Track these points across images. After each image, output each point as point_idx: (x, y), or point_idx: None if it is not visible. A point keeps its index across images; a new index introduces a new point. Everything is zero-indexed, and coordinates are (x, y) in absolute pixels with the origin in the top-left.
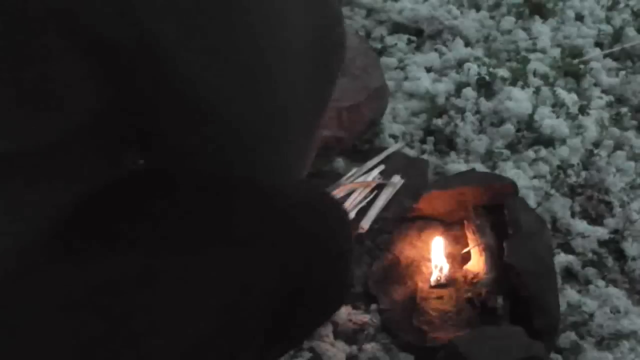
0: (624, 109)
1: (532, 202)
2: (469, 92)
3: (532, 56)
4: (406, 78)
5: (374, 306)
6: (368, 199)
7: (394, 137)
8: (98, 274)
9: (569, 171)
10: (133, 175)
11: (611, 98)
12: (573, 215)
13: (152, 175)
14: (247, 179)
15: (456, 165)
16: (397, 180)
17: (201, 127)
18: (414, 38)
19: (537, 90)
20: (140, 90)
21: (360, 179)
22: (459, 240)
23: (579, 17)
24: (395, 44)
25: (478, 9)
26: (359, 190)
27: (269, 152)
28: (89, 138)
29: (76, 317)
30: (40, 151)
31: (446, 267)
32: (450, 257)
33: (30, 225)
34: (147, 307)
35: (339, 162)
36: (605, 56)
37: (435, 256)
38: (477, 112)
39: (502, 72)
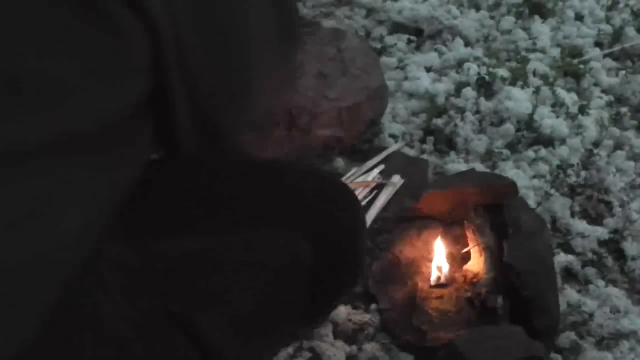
0: (624, 109)
1: (532, 202)
2: (469, 92)
3: (532, 56)
4: (406, 78)
5: (374, 306)
6: (368, 199)
7: (394, 137)
8: (158, 258)
9: (569, 171)
10: (176, 161)
11: (611, 98)
12: (573, 215)
13: (190, 161)
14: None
15: (456, 165)
16: (397, 180)
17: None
18: (414, 38)
19: (537, 90)
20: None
21: (360, 179)
22: (459, 240)
23: (579, 17)
24: (395, 44)
25: (478, 9)
26: (359, 190)
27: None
28: (143, 116)
29: (136, 300)
30: (109, 129)
31: (446, 267)
32: (450, 257)
33: (100, 205)
34: (205, 286)
35: (339, 162)
36: (605, 56)
37: (437, 258)
38: (477, 112)
39: (502, 72)
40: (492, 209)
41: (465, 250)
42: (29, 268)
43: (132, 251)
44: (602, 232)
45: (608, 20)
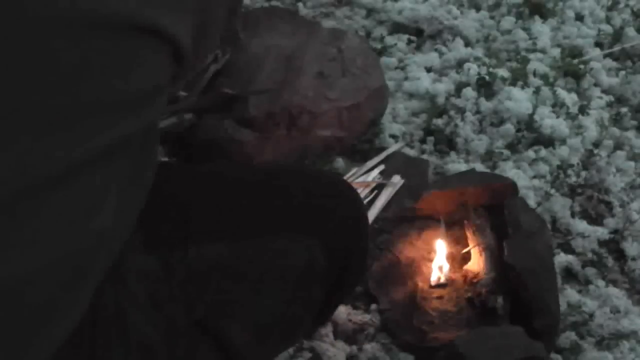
0: (624, 109)
1: (532, 202)
2: (469, 92)
3: (532, 56)
4: (406, 78)
5: (374, 306)
6: (368, 199)
7: (394, 137)
8: (180, 266)
9: (569, 171)
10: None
11: (611, 98)
12: (573, 215)
13: (208, 170)
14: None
15: (456, 165)
16: (397, 180)
17: None
18: (414, 38)
19: (537, 90)
20: None
21: (360, 179)
22: (459, 240)
23: (579, 17)
24: (395, 44)
25: (478, 9)
26: (359, 190)
27: None
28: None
29: (162, 307)
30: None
31: (446, 267)
32: (450, 257)
33: (128, 195)
34: (227, 292)
35: (339, 162)
36: (605, 56)
37: (437, 258)
38: (477, 112)
39: (502, 72)
40: (492, 209)
41: (465, 250)
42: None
43: (154, 260)
44: (602, 232)
45: (608, 20)
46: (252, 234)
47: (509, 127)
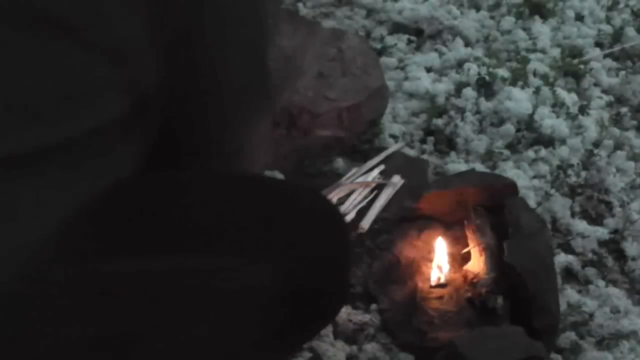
0: (624, 109)
1: (532, 202)
2: (469, 92)
3: (532, 56)
4: (406, 78)
5: (374, 306)
6: (368, 199)
7: (394, 137)
8: (99, 279)
9: (569, 171)
10: (143, 177)
11: (611, 98)
12: (573, 215)
13: (158, 178)
14: (253, 179)
15: (456, 165)
16: (397, 180)
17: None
18: (414, 38)
19: (537, 90)
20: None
21: (360, 179)
22: (459, 240)
23: (579, 17)
24: (395, 44)
25: (478, 9)
26: (359, 190)
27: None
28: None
29: (78, 320)
30: (75, 143)
31: (446, 267)
32: (450, 257)
33: (50, 221)
34: (149, 310)
35: (339, 162)
36: (605, 56)
37: (437, 258)
38: (477, 112)
39: (502, 72)
40: (492, 209)
41: (465, 250)
42: None
43: (61, 269)
44: (602, 232)
45: (608, 20)
46: (192, 251)
47: (509, 127)
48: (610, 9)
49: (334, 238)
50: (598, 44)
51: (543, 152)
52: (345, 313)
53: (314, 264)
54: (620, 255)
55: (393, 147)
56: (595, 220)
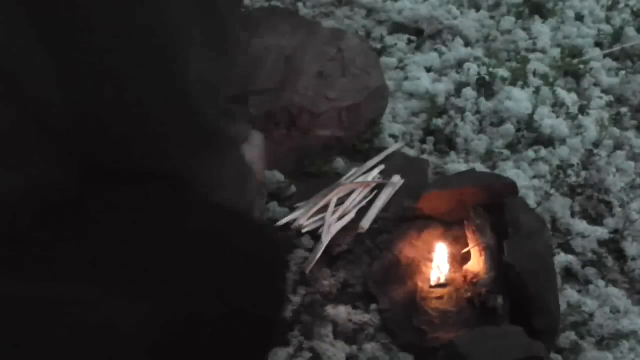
0: (624, 109)
1: (532, 202)
2: (469, 92)
3: (532, 56)
4: (406, 78)
5: (374, 306)
6: (368, 199)
7: (394, 137)
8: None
9: (569, 171)
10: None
11: (611, 98)
12: (573, 215)
13: (84, 198)
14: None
15: (456, 165)
16: (397, 180)
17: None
18: (414, 38)
19: (537, 90)
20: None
21: (360, 179)
22: (459, 240)
23: (579, 17)
24: (395, 44)
25: (478, 9)
26: (359, 190)
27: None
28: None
29: None
30: None
31: (446, 267)
32: (450, 257)
33: None
34: (57, 334)
35: (339, 162)
36: (605, 56)
37: (437, 258)
38: (477, 112)
39: (502, 72)
40: (492, 209)
41: (465, 250)
42: None
43: None
44: (602, 232)
45: (608, 20)
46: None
47: (509, 127)
48: (610, 9)
49: (259, 288)
50: (598, 44)
51: (543, 152)
52: (345, 313)
53: (222, 312)
54: (620, 255)
55: (393, 147)
56: (595, 220)
